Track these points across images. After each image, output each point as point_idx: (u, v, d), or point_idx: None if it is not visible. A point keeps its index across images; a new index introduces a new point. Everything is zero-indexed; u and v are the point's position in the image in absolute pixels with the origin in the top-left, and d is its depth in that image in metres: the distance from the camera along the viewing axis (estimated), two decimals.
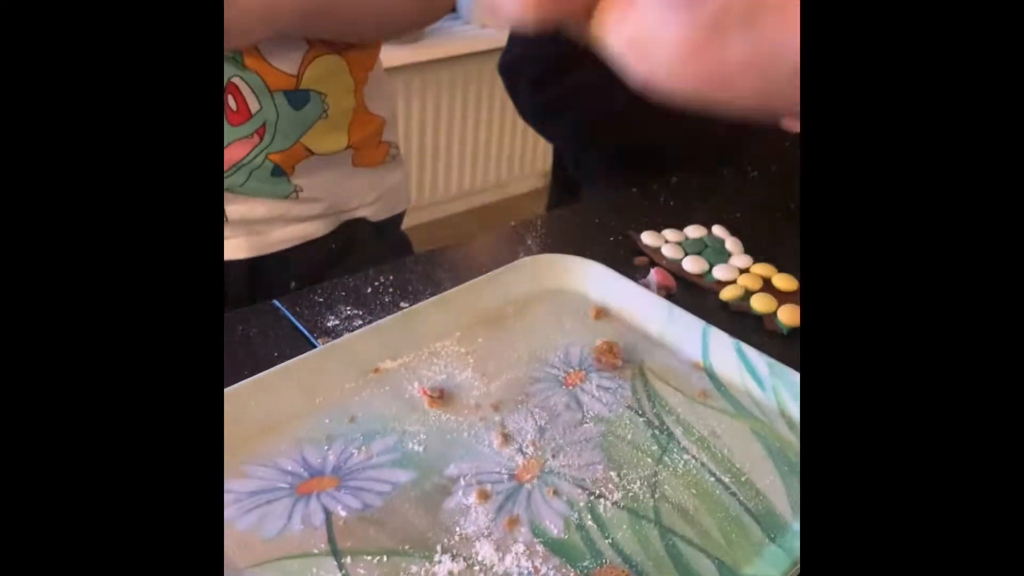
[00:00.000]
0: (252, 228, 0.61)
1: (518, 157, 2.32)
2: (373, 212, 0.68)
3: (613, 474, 0.41)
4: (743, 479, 0.41)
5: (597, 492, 0.39)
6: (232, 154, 0.57)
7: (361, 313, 0.50)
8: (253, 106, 0.56)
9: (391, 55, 1.90)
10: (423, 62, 1.99)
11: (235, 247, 0.61)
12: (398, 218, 0.72)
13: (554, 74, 0.80)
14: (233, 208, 0.60)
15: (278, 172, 0.60)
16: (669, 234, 0.59)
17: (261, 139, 0.58)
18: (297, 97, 0.58)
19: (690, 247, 0.57)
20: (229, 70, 0.55)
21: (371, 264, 0.54)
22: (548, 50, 0.82)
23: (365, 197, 0.67)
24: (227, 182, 0.58)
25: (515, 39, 0.86)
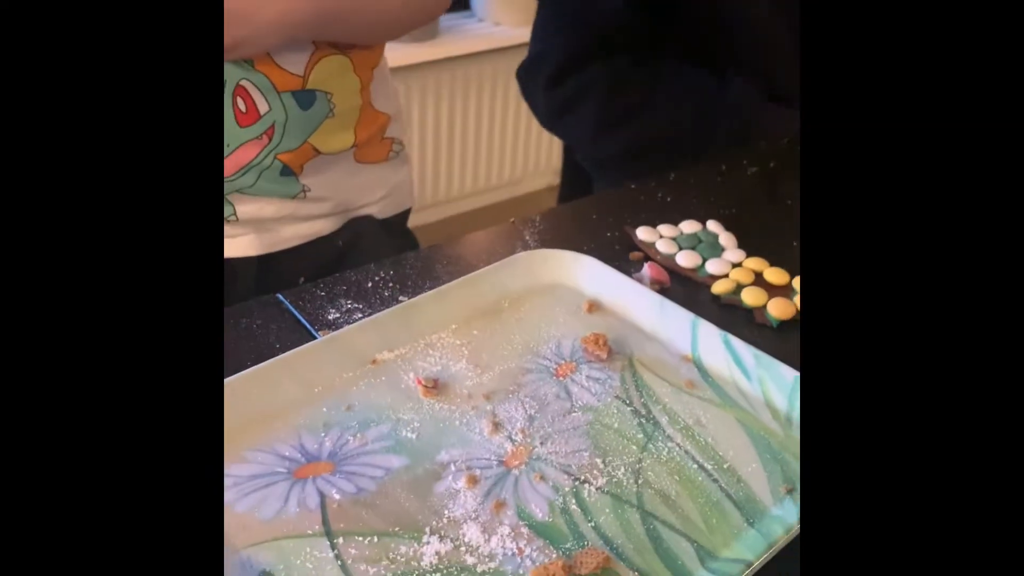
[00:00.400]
0: (262, 226, 0.63)
1: (533, 154, 2.33)
2: (379, 209, 0.70)
3: (599, 461, 0.42)
4: (725, 466, 0.42)
5: (582, 478, 0.41)
6: (242, 156, 0.59)
7: (361, 307, 0.52)
8: (262, 107, 0.58)
9: (406, 53, 1.92)
10: (438, 60, 2.00)
11: (246, 245, 0.63)
12: (404, 215, 0.74)
13: (567, 71, 0.82)
14: (244, 208, 0.62)
15: (287, 172, 0.62)
16: (664, 229, 0.60)
17: (270, 140, 0.60)
18: (304, 97, 0.60)
19: (684, 242, 0.59)
20: (238, 73, 0.56)
21: (377, 260, 0.56)
22: (561, 48, 0.83)
23: (371, 195, 0.69)
24: (237, 183, 0.60)
25: (534, 40, 0.89)
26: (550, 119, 0.89)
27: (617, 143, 0.83)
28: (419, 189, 2.17)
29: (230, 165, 0.59)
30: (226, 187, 0.59)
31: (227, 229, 0.62)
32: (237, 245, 0.63)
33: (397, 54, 1.90)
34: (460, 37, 2.07)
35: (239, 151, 0.59)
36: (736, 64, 0.81)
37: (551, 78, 0.84)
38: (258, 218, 0.62)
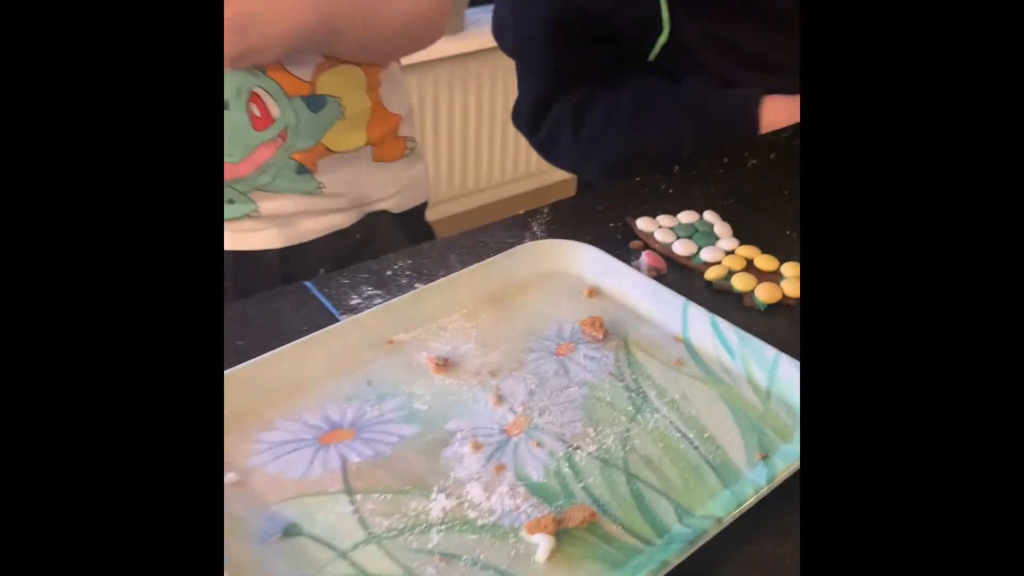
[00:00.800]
0: (283, 221, 0.68)
1: None
2: (394, 204, 0.75)
3: (591, 430, 0.47)
4: (706, 435, 0.47)
5: (575, 444, 0.46)
6: (259, 156, 0.64)
7: (381, 293, 0.57)
8: (274, 112, 0.63)
9: (434, 47, 1.97)
10: (466, 53, 2.05)
11: (268, 238, 0.68)
12: (419, 208, 0.79)
13: (537, 115, 0.88)
14: (265, 204, 0.67)
15: (302, 170, 0.67)
16: (663, 219, 0.64)
17: (284, 141, 0.65)
18: (314, 101, 0.65)
19: (681, 231, 0.63)
20: (251, 80, 0.61)
21: (389, 247, 0.61)
22: (528, 96, 0.89)
23: (386, 191, 0.74)
24: (257, 181, 0.65)
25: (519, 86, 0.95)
26: (544, 157, 0.95)
27: (600, 166, 0.88)
28: (447, 180, 2.22)
29: (248, 165, 0.64)
30: (246, 185, 0.64)
31: (250, 224, 0.67)
32: (260, 238, 0.68)
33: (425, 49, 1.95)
34: (487, 30, 2.11)
35: (256, 152, 0.64)
36: (689, 68, 0.84)
37: (529, 125, 0.90)
38: (279, 214, 0.68)
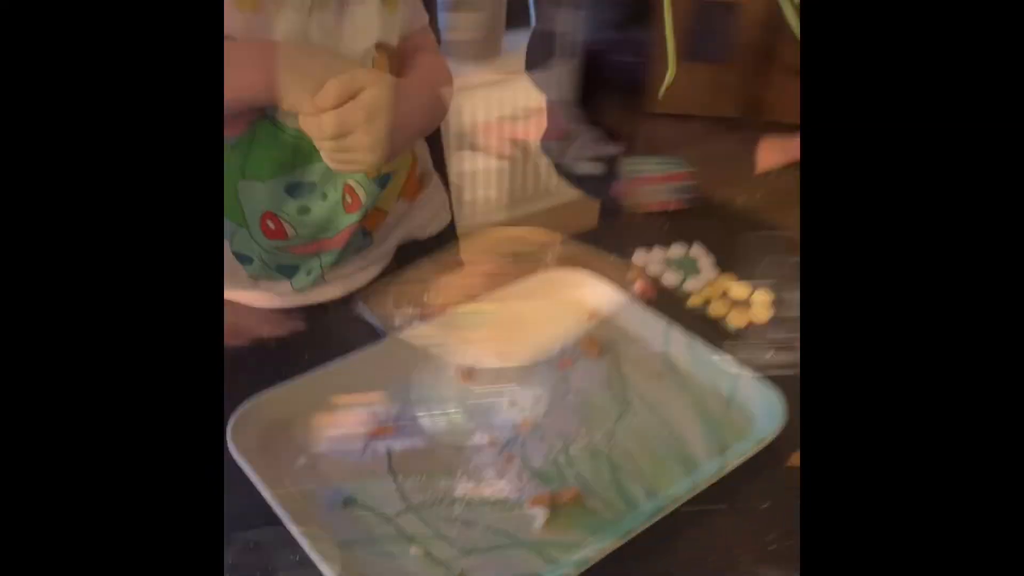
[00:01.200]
0: (345, 279, 0.80)
1: None
2: (421, 233, 0.87)
3: (583, 428, 0.59)
4: (676, 434, 0.58)
5: (571, 439, 0.58)
6: (347, 232, 0.75)
7: (418, 313, 0.69)
8: (363, 197, 0.75)
9: (474, 74, 2.10)
10: (502, 78, 2.18)
11: (330, 292, 0.80)
12: (448, 230, 0.90)
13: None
14: (331, 271, 0.78)
15: (365, 233, 0.79)
16: (656, 253, 0.76)
17: (361, 223, 0.76)
18: (382, 180, 0.77)
19: (670, 263, 0.74)
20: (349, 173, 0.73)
21: (423, 273, 0.73)
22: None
23: (413, 223, 0.85)
24: (340, 255, 0.76)
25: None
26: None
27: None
28: (483, 199, 2.35)
29: (338, 241, 0.75)
30: (328, 258, 0.76)
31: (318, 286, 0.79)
32: (324, 292, 0.80)
33: (462, 75, 2.08)
34: (523, 54, 2.23)
35: (345, 229, 0.76)
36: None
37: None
38: (340, 275, 0.80)
